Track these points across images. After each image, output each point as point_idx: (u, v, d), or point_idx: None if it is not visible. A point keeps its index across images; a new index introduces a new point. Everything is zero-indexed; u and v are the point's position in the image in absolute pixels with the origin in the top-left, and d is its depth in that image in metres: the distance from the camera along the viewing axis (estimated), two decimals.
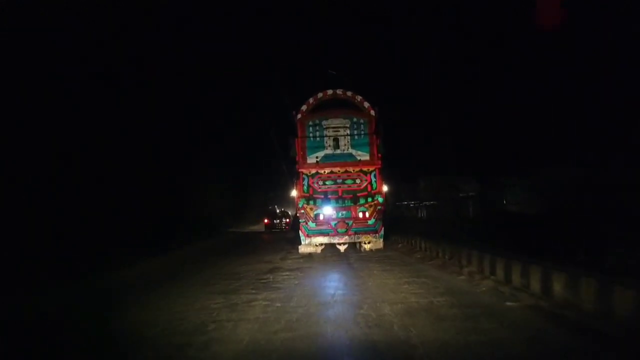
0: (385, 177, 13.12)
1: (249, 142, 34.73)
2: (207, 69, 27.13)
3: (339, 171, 12.60)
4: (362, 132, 12.76)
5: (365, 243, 12.70)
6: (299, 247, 13.11)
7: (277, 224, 27.09)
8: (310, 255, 12.72)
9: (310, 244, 12.64)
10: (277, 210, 30.62)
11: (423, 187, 29.32)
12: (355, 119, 12.82)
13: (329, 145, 12.69)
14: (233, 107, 33.43)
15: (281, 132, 14.49)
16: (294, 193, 13.20)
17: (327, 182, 12.58)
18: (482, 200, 16.18)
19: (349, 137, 12.72)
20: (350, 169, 12.61)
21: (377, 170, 12.63)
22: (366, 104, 12.90)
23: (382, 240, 12.61)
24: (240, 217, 37.62)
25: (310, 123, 12.78)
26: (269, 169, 34.05)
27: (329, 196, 12.49)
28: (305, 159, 12.65)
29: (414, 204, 32.55)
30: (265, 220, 28.72)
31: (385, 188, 12.98)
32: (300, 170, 12.62)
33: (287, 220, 26.94)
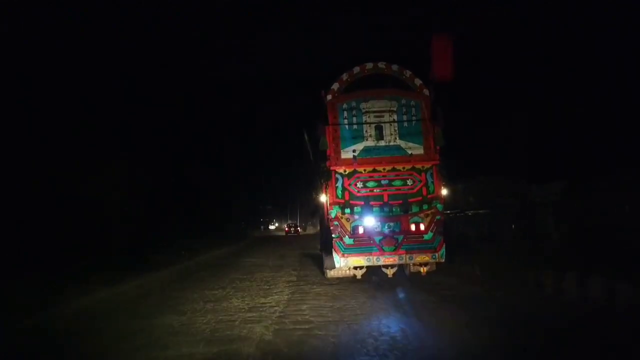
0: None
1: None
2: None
3: (383, 169, 9.45)
4: (414, 118, 9.63)
5: (420, 265, 9.53)
6: (328, 270, 10.08)
7: (293, 231, 46.85)
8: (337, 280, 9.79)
9: (345, 267, 9.53)
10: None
11: (463, 191, 25.67)
12: (404, 101, 9.70)
13: (370, 135, 9.59)
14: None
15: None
16: (323, 198, 10.07)
17: (368, 184, 9.45)
18: (571, 208, 11.46)
19: (396, 125, 9.60)
20: (399, 167, 9.46)
21: (434, 167, 9.48)
22: (417, 81, 9.80)
23: (441, 260, 9.41)
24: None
25: (345, 106, 9.70)
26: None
27: (371, 202, 9.37)
28: (339, 154, 9.55)
29: (450, 212, 28.70)
30: (286, 229, 49.85)
31: (444, 192, 9.78)
32: (332, 168, 9.50)
33: (299, 228, 50.39)
